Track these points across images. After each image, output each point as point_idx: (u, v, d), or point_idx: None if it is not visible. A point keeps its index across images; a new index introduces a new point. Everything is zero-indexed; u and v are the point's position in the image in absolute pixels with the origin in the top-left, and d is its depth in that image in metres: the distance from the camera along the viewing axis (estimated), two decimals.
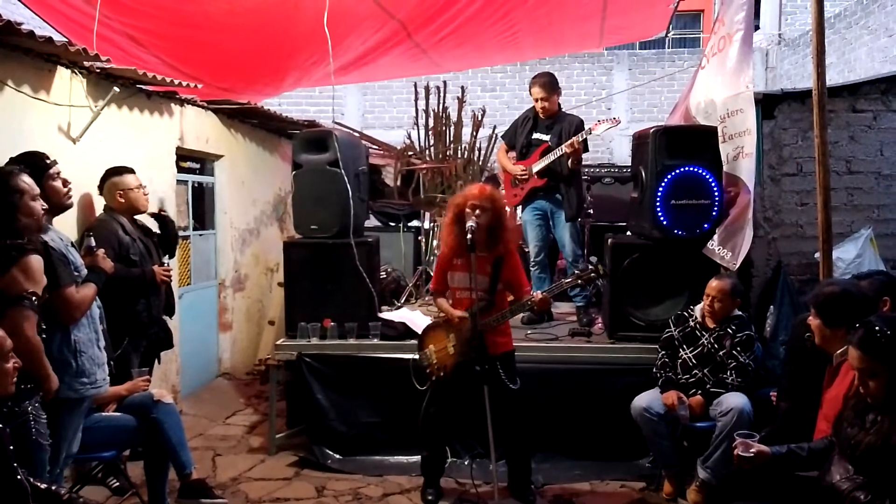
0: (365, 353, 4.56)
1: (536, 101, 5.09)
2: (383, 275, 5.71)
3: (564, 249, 5.16)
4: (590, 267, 3.72)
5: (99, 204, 4.19)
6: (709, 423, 3.78)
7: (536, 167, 5.03)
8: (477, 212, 3.61)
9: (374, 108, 11.73)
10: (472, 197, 3.65)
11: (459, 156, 7.46)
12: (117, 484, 3.92)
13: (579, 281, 3.73)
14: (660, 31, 8.02)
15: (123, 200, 4.09)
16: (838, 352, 2.87)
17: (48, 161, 3.20)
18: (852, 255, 4.38)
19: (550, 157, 4.97)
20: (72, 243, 3.20)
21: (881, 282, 3.44)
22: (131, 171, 4.17)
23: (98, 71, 4.22)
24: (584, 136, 4.83)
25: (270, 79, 6.78)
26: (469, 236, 3.57)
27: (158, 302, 4.21)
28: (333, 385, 4.53)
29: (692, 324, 4.00)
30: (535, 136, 5.14)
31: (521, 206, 5.42)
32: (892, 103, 4.71)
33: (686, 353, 3.97)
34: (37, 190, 2.83)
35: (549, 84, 5.08)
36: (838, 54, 8.93)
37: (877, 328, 2.31)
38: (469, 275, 3.66)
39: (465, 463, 4.27)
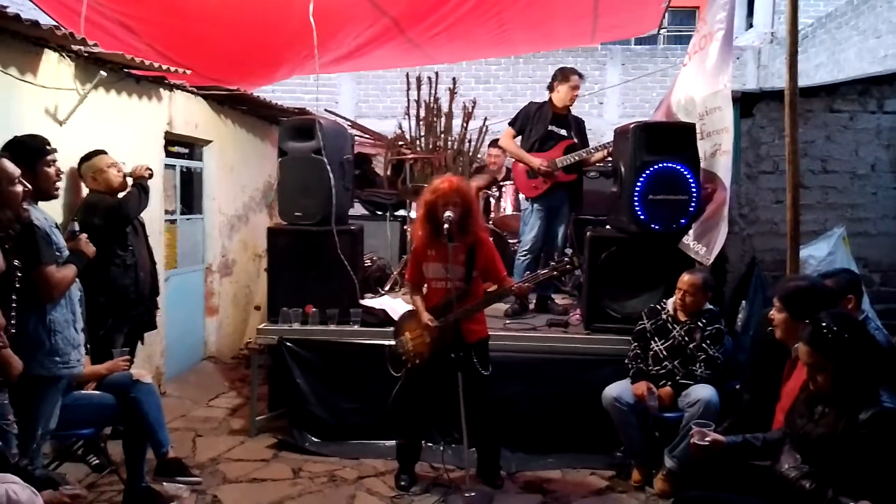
0: (345, 339, 4.63)
1: (575, 88, 5.13)
2: (368, 263, 5.78)
3: (556, 242, 5.25)
4: (565, 259, 3.80)
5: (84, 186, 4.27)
6: (677, 413, 3.85)
7: (563, 162, 5.08)
8: (451, 207, 3.68)
9: (368, 98, 11.76)
10: (444, 193, 3.71)
11: (449, 147, 7.52)
12: (97, 461, 4.00)
13: (555, 272, 3.81)
14: (652, 29, 8.07)
15: (99, 181, 4.18)
16: (796, 345, 2.94)
17: (47, 147, 3.24)
18: (824, 253, 4.46)
19: (583, 154, 5.08)
20: (56, 224, 3.27)
21: (847, 280, 3.52)
22: (103, 152, 4.26)
23: (86, 55, 4.27)
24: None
25: (262, 71, 6.83)
26: (446, 226, 3.65)
27: (145, 279, 4.32)
28: (314, 370, 4.60)
29: (664, 317, 4.08)
30: (552, 128, 5.17)
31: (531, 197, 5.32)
32: (868, 104, 4.77)
33: (657, 345, 4.04)
34: (16, 173, 2.86)
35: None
36: (828, 54, 8.99)
37: (824, 324, 2.39)
38: (443, 265, 3.76)
39: (440, 448, 4.34)
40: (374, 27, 5.87)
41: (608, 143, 5.03)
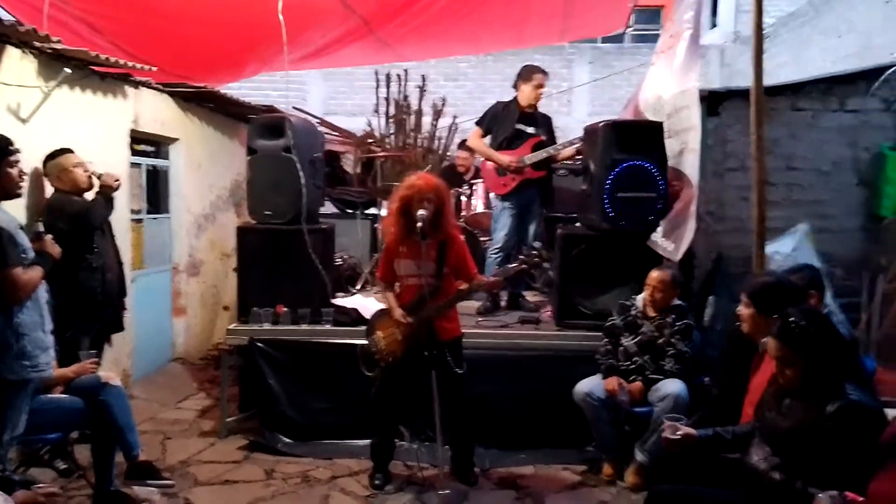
0: (317, 339, 4.60)
1: (539, 87, 5.14)
2: (339, 261, 5.76)
3: (527, 240, 5.28)
4: (534, 253, 3.82)
5: (48, 185, 4.18)
6: (648, 408, 3.91)
7: (532, 159, 5.11)
8: (426, 204, 3.69)
9: (336, 95, 11.68)
10: (419, 190, 3.72)
11: (419, 145, 7.53)
12: (64, 466, 3.92)
13: (524, 266, 3.83)
14: (619, 28, 8.15)
15: (64, 180, 4.11)
16: (763, 340, 3.01)
17: (11, 147, 3.16)
18: (789, 249, 4.55)
19: (551, 150, 5.10)
20: (21, 226, 3.20)
21: (809, 276, 3.60)
22: (69, 151, 4.19)
23: (49, 52, 4.18)
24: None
25: (229, 68, 6.75)
26: (419, 224, 3.65)
27: (112, 280, 4.26)
28: (285, 370, 4.57)
29: (634, 313, 4.13)
30: (520, 126, 5.20)
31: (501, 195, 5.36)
32: (831, 103, 4.88)
33: (628, 341, 4.09)
34: None
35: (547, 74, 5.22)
36: (792, 53, 9.14)
37: (792, 319, 2.45)
38: (415, 262, 3.77)
39: (414, 446, 4.34)
40: (343, 26, 5.84)
41: (576, 139, 5.07)
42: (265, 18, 4.90)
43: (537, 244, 4.01)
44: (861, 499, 2.10)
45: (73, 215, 4.04)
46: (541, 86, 5.16)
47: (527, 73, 5.19)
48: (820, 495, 2.18)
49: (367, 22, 5.75)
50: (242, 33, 5.59)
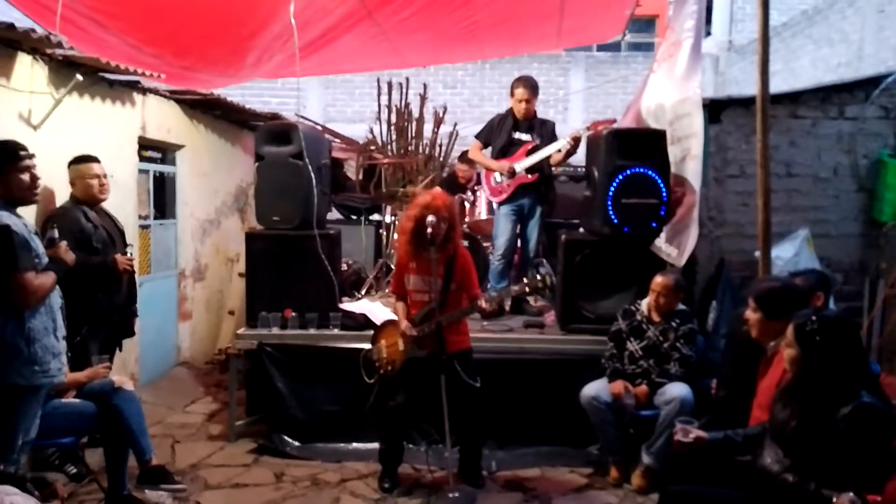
0: (325, 343, 4.65)
1: (520, 101, 5.21)
2: (344, 267, 5.80)
3: (529, 244, 5.35)
4: (538, 278, 3.84)
5: (60, 192, 4.21)
6: (653, 411, 3.96)
7: (525, 164, 5.18)
8: (441, 224, 3.76)
9: (336, 102, 11.75)
10: (436, 210, 3.76)
11: (421, 151, 7.60)
12: (75, 471, 3.93)
13: (525, 290, 3.88)
14: (616, 35, 8.23)
15: (78, 187, 4.13)
16: (772, 343, 3.07)
17: (21, 152, 3.14)
18: (790, 254, 4.63)
19: (542, 154, 5.16)
20: (36, 231, 3.23)
21: (816, 278, 3.71)
22: (94, 159, 4.19)
23: (60, 58, 4.22)
24: (582, 133, 5.07)
25: (231, 56, 6.66)
26: (429, 230, 3.71)
27: (120, 290, 4.24)
28: (293, 374, 4.61)
29: (639, 318, 4.19)
30: (517, 135, 5.29)
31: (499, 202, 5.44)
32: (829, 111, 4.97)
33: (633, 345, 4.15)
34: None
35: (534, 86, 5.27)
36: (783, 62, 9.29)
37: (812, 318, 2.51)
38: (424, 277, 3.84)
39: (422, 449, 4.39)
40: (342, 6, 5.79)
41: (567, 139, 5.11)
42: (269, 7, 4.86)
43: (543, 270, 4.04)
44: (879, 498, 2.14)
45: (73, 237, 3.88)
46: (523, 99, 5.21)
47: (511, 89, 5.32)
48: (842, 496, 2.21)
49: (365, 4, 5.73)
50: (246, 21, 5.54)
